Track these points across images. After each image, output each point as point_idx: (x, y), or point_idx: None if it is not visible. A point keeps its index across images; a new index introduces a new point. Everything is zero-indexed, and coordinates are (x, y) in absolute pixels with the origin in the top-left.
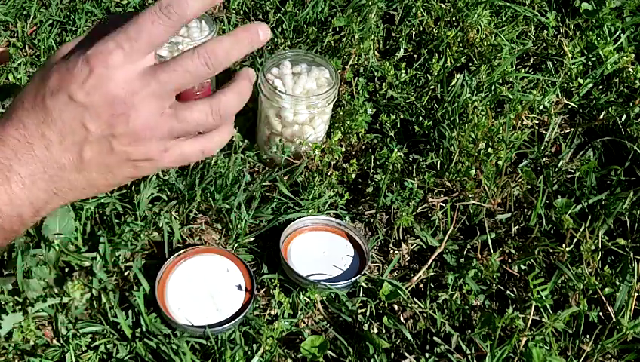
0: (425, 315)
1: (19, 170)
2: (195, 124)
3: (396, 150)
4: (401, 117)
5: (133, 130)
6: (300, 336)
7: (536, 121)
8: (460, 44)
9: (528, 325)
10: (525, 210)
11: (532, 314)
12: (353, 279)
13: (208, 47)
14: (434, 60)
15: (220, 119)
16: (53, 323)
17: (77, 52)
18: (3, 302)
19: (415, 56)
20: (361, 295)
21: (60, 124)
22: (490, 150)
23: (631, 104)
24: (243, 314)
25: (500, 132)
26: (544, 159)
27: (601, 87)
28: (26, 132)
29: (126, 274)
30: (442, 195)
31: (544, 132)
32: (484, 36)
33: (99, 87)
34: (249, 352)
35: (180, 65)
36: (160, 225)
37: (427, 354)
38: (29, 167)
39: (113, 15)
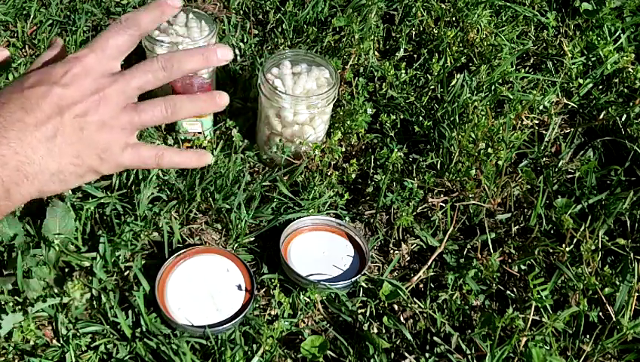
0: (425, 315)
1: None
2: (151, 115)
3: (396, 150)
4: (401, 117)
5: (101, 117)
6: (300, 336)
7: (536, 121)
8: (460, 44)
9: (528, 325)
10: (525, 210)
11: (532, 314)
12: (353, 279)
13: (167, 55)
14: (434, 60)
15: (171, 114)
16: (53, 323)
17: (50, 64)
18: (3, 302)
19: (415, 56)
20: (361, 295)
21: (37, 111)
22: (490, 150)
23: (631, 104)
24: (243, 314)
25: (500, 132)
26: (544, 159)
27: (601, 87)
28: (2, 120)
29: (126, 274)
30: (442, 195)
31: (544, 132)
32: (484, 36)
33: (75, 81)
34: (249, 352)
35: (142, 67)
36: (160, 225)
37: (427, 354)
38: (2, 148)
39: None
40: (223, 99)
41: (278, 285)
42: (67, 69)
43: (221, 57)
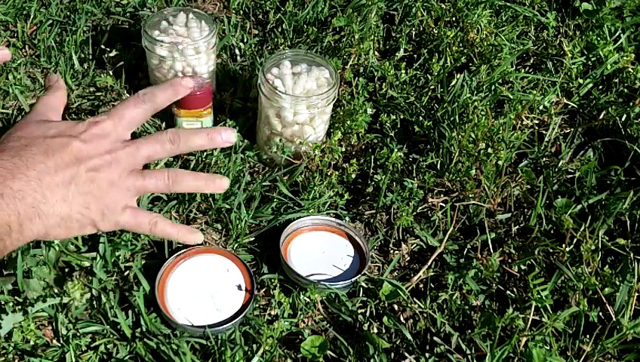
0: (425, 315)
1: (11, 185)
2: (154, 181)
3: (396, 150)
4: (401, 117)
5: (110, 175)
6: (300, 336)
7: (536, 121)
8: (460, 44)
9: (528, 325)
10: (525, 210)
11: (532, 314)
12: (353, 279)
13: (175, 130)
14: (434, 60)
15: (172, 185)
16: (53, 323)
17: (72, 120)
18: (3, 302)
19: (415, 56)
20: (361, 295)
21: (57, 158)
22: (490, 150)
23: (631, 104)
24: (243, 314)
25: (500, 132)
26: (544, 159)
27: (601, 87)
28: (23, 159)
29: (126, 274)
30: (442, 195)
31: (544, 132)
32: (484, 36)
33: (93, 139)
34: (249, 352)
35: (152, 138)
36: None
37: (427, 354)
38: (21, 183)
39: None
40: (223, 184)
41: (278, 285)
42: (87, 129)
43: (225, 139)
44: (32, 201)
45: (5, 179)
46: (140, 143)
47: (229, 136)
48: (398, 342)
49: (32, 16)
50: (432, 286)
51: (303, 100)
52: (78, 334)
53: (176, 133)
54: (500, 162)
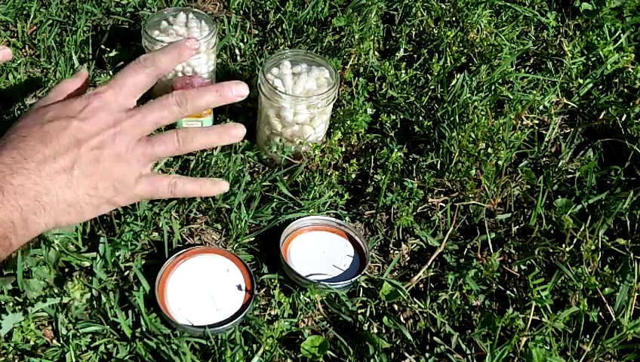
0: (425, 315)
1: (10, 180)
2: (164, 146)
3: (396, 150)
4: (401, 117)
5: (117, 150)
6: (300, 336)
7: (536, 121)
8: (460, 44)
9: (528, 325)
10: (525, 210)
11: (532, 314)
12: (353, 279)
13: (182, 93)
14: (434, 60)
15: (183, 145)
16: (53, 323)
17: (70, 98)
18: (3, 302)
19: (415, 56)
20: (361, 295)
21: (55, 144)
22: (490, 150)
23: (631, 104)
24: (243, 314)
25: (500, 132)
26: (544, 159)
27: (601, 87)
28: (21, 151)
29: (126, 274)
30: (442, 195)
31: (544, 132)
32: (484, 36)
33: (93, 115)
34: (249, 352)
35: (158, 103)
36: (160, 225)
37: (427, 354)
38: (21, 178)
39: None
40: (239, 132)
41: (278, 285)
42: (86, 104)
43: (235, 94)
44: (35, 195)
45: (4, 175)
46: (145, 110)
47: (239, 89)
48: (398, 342)
49: (32, 16)
50: (432, 286)
51: (303, 100)
52: (78, 334)
53: (183, 94)
54: (500, 162)
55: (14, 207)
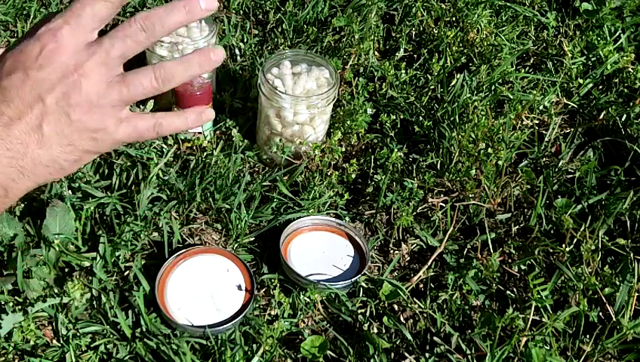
0: (425, 315)
1: None
2: (141, 87)
3: (396, 150)
4: (401, 117)
5: (86, 97)
6: (300, 336)
7: (536, 121)
8: (460, 44)
9: (528, 325)
10: (525, 210)
11: (532, 314)
12: (353, 279)
13: (144, 14)
14: (434, 60)
15: (162, 83)
16: (53, 323)
17: (27, 38)
18: (3, 302)
19: (415, 56)
20: (361, 295)
21: (17, 101)
22: (490, 150)
23: (631, 104)
24: (243, 314)
25: (500, 132)
26: (544, 159)
27: (601, 87)
28: None
29: (126, 274)
30: (442, 195)
31: (544, 132)
32: (484, 36)
33: (50, 61)
34: (249, 352)
35: (119, 31)
36: (160, 225)
37: (427, 354)
38: None
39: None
40: (218, 55)
41: (278, 285)
42: (41, 47)
43: (205, 7)
44: (8, 162)
45: None
46: (107, 44)
47: (209, 3)
48: (398, 342)
49: (32, 17)
50: (432, 286)
51: (303, 100)
52: (78, 334)
53: (147, 16)
54: (500, 162)
55: None
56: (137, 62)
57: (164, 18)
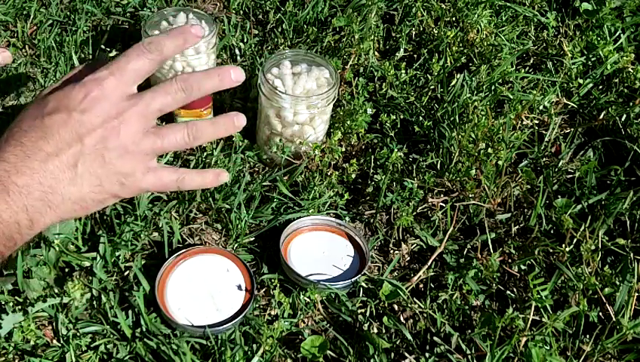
0: (425, 315)
1: (16, 180)
2: (174, 141)
3: (396, 150)
4: (401, 117)
5: (122, 143)
6: (300, 336)
7: (536, 121)
8: (460, 44)
9: (528, 325)
10: (525, 210)
11: (532, 314)
12: (353, 279)
13: (185, 76)
14: (434, 60)
15: (193, 140)
16: (53, 323)
17: (71, 84)
18: (3, 302)
19: (415, 56)
20: (361, 295)
21: (57, 138)
22: (490, 150)
23: (631, 104)
24: (243, 314)
25: (500, 132)
26: (544, 159)
27: (601, 87)
28: (24, 148)
29: (126, 274)
30: (442, 195)
31: (544, 132)
32: (484, 36)
33: (94, 106)
34: (249, 352)
35: (161, 89)
36: (160, 225)
37: (427, 354)
38: (25, 178)
39: (96, 61)
40: (240, 121)
41: (278, 285)
42: (86, 93)
43: (234, 79)
44: (40, 195)
45: (10, 174)
46: (148, 98)
47: (238, 75)
48: (398, 342)
49: (32, 16)
50: (432, 286)
51: (303, 100)
52: (78, 334)
53: (187, 78)
54: (500, 162)
55: (20, 208)
56: None
57: (201, 82)
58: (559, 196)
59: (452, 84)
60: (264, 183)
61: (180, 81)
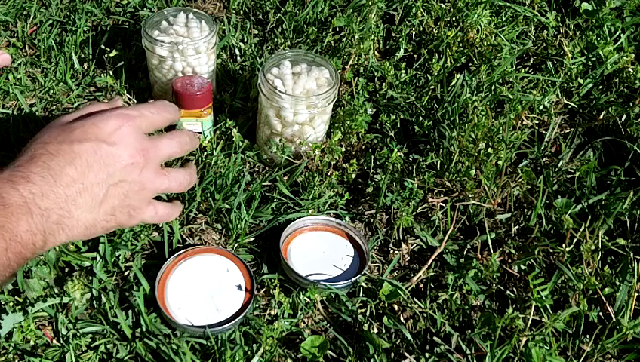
0: (425, 315)
1: (40, 203)
2: (178, 181)
3: (396, 150)
4: (401, 117)
5: (142, 180)
6: (300, 336)
7: (536, 121)
8: (460, 44)
9: (528, 325)
10: (525, 210)
11: (532, 314)
12: (353, 279)
13: (194, 134)
14: (434, 60)
15: (193, 182)
16: (53, 323)
17: (99, 114)
18: (3, 302)
19: (415, 56)
20: (361, 295)
21: (84, 166)
22: (490, 150)
23: (631, 104)
24: (243, 314)
25: (500, 132)
26: (544, 159)
27: (601, 87)
28: (51, 172)
29: (126, 274)
30: (442, 195)
31: (544, 132)
32: (484, 36)
33: (124, 140)
34: (249, 352)
35: (176, 137)
36: (160, 225)
37: (427, 354)
38: (49, 202)
39: (112, 98)
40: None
41: (278, 285)
42: (116, 128)
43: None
44: (57, 218)
45: (35, 196)
46: (162, 142)
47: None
48: (398, 342)
49: (32, 16)
50: (432, 286)
51: (303, 100)
52: (78, 334)
53: (195, 136)
54: (500, 162)
55: (39, 230)
56: (137, 61)
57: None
58: (559, 196)
59: (452, 84)
60: (264, 183)
61: (190, 135)
